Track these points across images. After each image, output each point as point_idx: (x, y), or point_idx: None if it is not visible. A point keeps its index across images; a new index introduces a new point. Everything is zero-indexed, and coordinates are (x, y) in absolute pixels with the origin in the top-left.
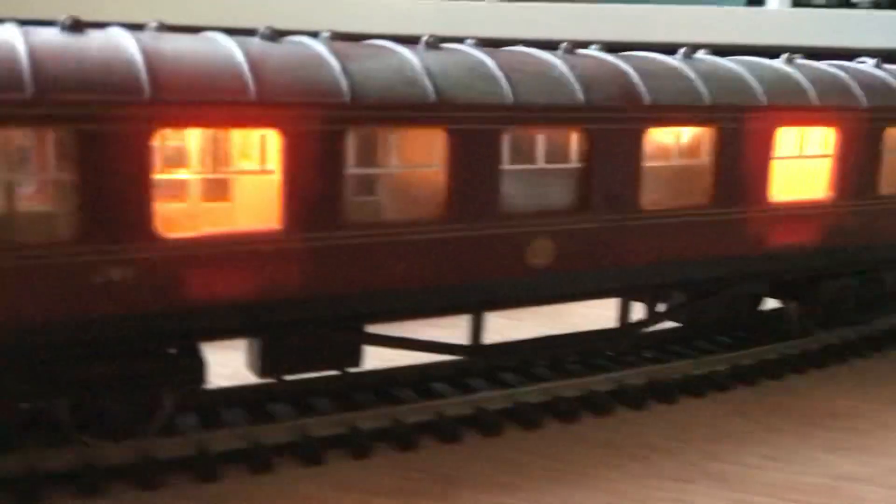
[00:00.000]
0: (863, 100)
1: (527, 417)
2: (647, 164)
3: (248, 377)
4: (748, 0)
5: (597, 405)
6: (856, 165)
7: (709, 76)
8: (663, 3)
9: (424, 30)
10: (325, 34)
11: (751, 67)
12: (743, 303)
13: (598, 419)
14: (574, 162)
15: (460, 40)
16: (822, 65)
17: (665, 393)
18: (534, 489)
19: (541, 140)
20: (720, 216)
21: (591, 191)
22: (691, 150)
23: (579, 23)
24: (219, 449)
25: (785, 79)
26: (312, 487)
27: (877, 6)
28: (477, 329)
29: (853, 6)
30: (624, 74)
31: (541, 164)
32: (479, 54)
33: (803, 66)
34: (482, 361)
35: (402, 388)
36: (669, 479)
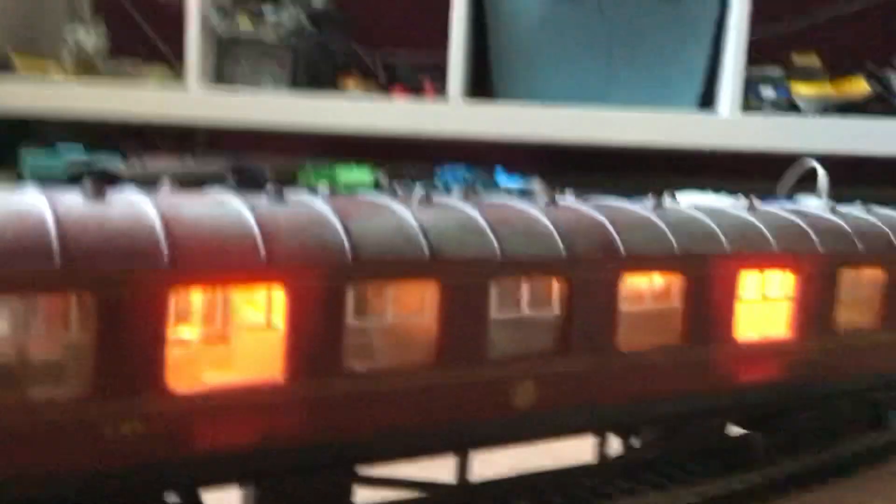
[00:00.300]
0: (818, 245)
1: None
2: (623, 308)
3: None
4: (700, 104)
5: None
6: (813, 306)
7: (677, 226)
8: (617, 107)
9: None
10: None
11: (715, 216)
12: (711, 433)
13: None
14: (555, 309)
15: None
16: (782, 212)
17: None
18: None
19: (525, 289)
20: (691, 355)
21: (571, 335)
22: (664, 294)
23: (537, 125)
24: None
25: (747, 227)
26: None
27: (822, 112)
28: (463, 468)
29: (799, 112)
30: (601, 226)
31: (525, 311)
32: (469, 209)
33: (763, 213)
34: (469, 499)
35: None
36: None
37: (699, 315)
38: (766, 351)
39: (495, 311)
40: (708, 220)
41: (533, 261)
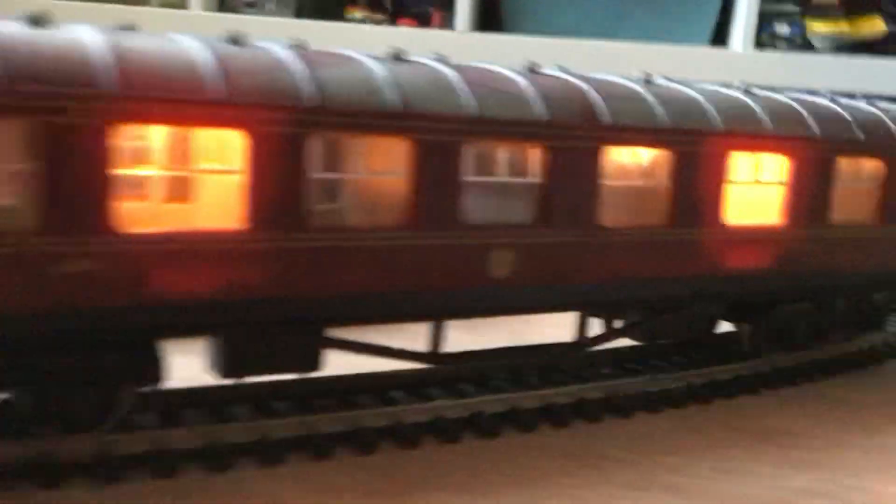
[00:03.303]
0: (816, 130)
1: (486, 427)
2: (606, 182)
3: (208, 380)
4: (712, 40)
5: (555, 417)
6: (808, 193)
7: (666, 100)
8: (627, 41)
9: None
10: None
11: (707, 94)
12: (698, 323)
13: (557, 430)
14: (534, 177)
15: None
16: (779, 96)
17: (622, 408)
18: (492, 492)
19: (502, 154)
20: (676, 236)
21: (550, 205)
22: (650, 171)
23: (544, 57)
24: (178, 447)
25: (741, 106)
26: (271, 485)
27: (836, 51)
28: (437, 337)
29: (814, 50)
30: (585, 94)
31: (502, 177)
32: (445, 68)
33: (760, 96)
34: (441, 369)
35: (363, 394)
36: (626, 487)
37: (686, 194)
38: (755, 237)
39: (470, 174)
40: (699, 97)
41: (510, 123)
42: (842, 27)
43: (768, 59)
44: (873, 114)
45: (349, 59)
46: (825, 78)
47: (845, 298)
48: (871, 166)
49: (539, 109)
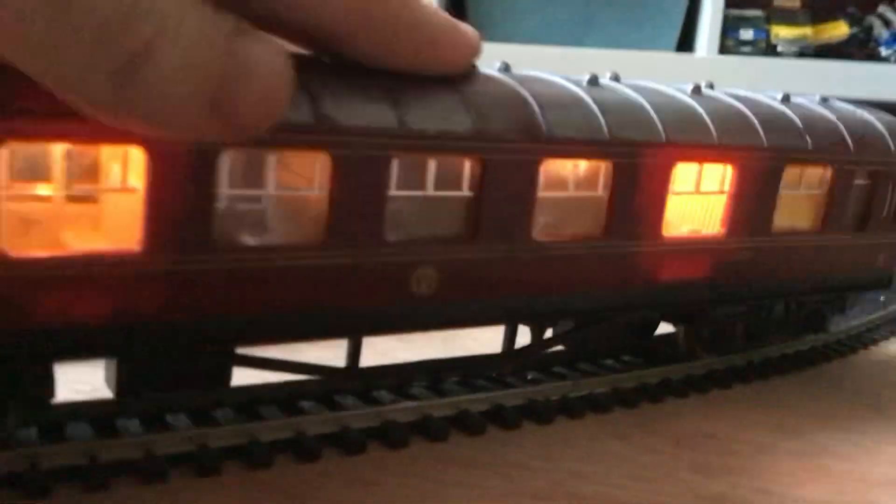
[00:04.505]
0: (763, 139)
1: (394, 436)
2: (542, 195)
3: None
4: (678, 46)
5: (469, 425)
6: (751, 203)
7: (609, 108)
8: (594, 47)
9: None
10: None
11: (654, 99)
12: (633, 329)
13: (470, 438)
14: (465, 190)
15: None
16: (729, 99)
17: (541, 413)
18: None
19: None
20: (613, 249)
21: (480, 220)
22: (587, 182)
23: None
24: (53, 464)
25: (687, 114)
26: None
27: (800, 55)
28: (356, 352)
29: (778, 54)
30: (523, 102)
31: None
32: (365, 76)
33: (708, 99)
34: (359, 383)
35: (267, 405)
36: (532, 496)
37: (624, 206)
38: (694, 248)
39: (395, 189)
40: (645, 104)
41: (435, 136)
42: (806, 31)
43: (733, 63)
44: (824, 118)
45: None
46: (790, 82)
47: (786, 302)
48: (816, 174)
49: (471, 120)
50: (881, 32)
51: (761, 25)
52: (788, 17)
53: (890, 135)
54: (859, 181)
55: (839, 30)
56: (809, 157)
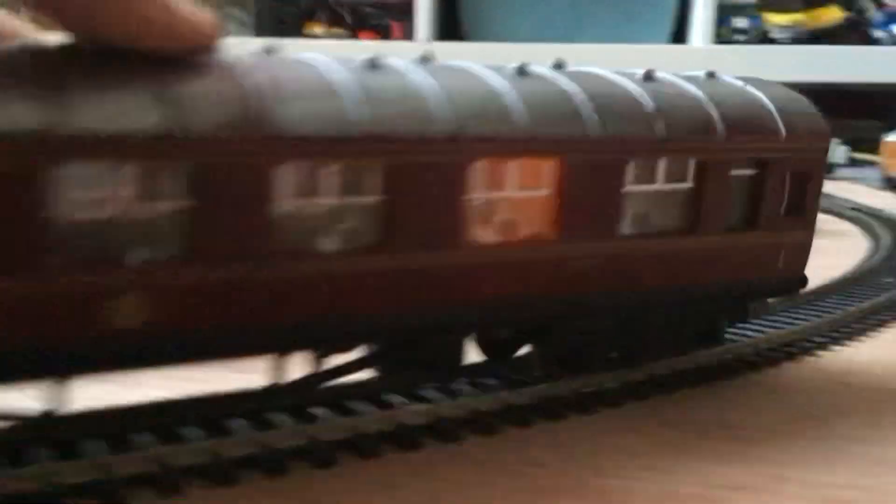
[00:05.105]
0: (594, 127)
1: (407, 438)
2: (284, 204)
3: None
4: (672, 37)
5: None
6: (585, 204)
7: (377, 96)
8: (589, 42)
9: None
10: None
11: (451, 81)
12: (442, 354)
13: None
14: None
15: None
16: (561, 79)
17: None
18: None
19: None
20: (396, 262)
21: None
22: (350, 185)
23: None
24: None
25: (492, 100)
26: None
27: (794, 41)
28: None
29: (772, 42)
30: (246, 95)
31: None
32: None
33: (532, 80)
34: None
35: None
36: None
37: (408, 213)
38: (513, 257)
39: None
40: (435, 89)
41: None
42: (799, 18)
43: (728, 52)
44: (689, 99)
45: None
46: (784, 68)
47: (659, 315)
48: (676, 166)
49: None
50: (874, 14)
51: (755, 13)
52: (781, 4)
53: (782, 116)
54: (739, 172)
55: (832, 14)
56: (661, 147)
